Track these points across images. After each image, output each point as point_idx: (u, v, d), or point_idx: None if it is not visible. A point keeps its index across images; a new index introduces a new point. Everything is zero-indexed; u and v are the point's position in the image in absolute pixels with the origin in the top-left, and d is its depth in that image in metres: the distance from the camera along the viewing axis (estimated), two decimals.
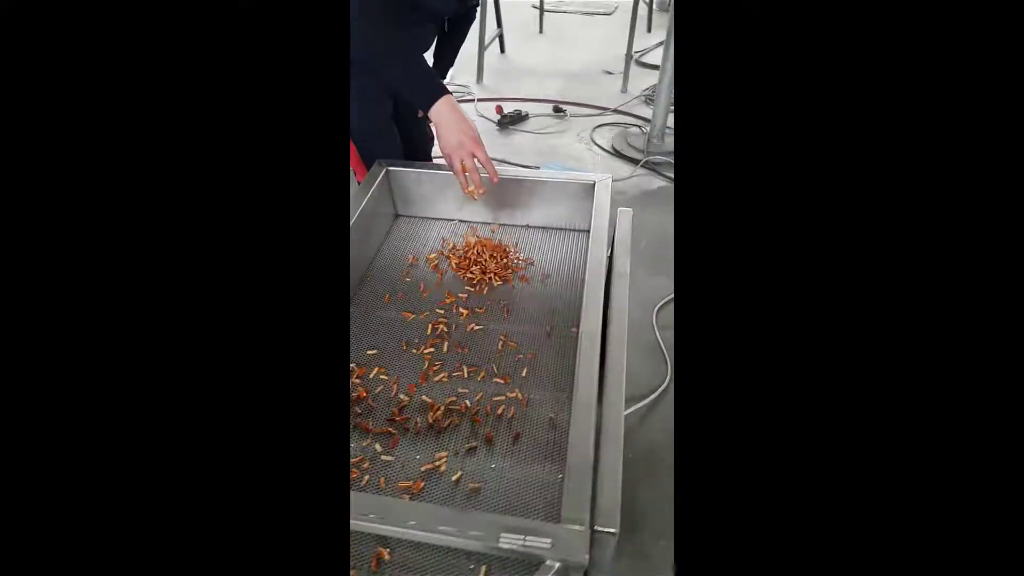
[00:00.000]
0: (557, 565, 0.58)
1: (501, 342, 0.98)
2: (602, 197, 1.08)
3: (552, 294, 1.08)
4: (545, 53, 3.65)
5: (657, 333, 1.65)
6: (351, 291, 1.08)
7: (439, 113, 1.06)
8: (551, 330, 1.00)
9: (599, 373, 0.78)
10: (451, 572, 0.69)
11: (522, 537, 0.59)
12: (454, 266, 1.12)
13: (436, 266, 1.14)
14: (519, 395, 0.89)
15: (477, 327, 1.01)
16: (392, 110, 1.32)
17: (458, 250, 1.16)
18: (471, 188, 1.09)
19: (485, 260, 1.12)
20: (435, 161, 1.38)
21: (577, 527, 0.60)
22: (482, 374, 0.92)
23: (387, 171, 1.19)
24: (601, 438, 0.70)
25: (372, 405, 0.88)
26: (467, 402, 0.88)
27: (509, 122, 2.82)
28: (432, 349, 0.97)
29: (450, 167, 1.11)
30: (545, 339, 0.99)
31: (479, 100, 3.03)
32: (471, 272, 1.11)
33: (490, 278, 1.09)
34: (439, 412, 0.86)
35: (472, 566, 0.70)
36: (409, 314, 1.03)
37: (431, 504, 0.75)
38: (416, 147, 1.48)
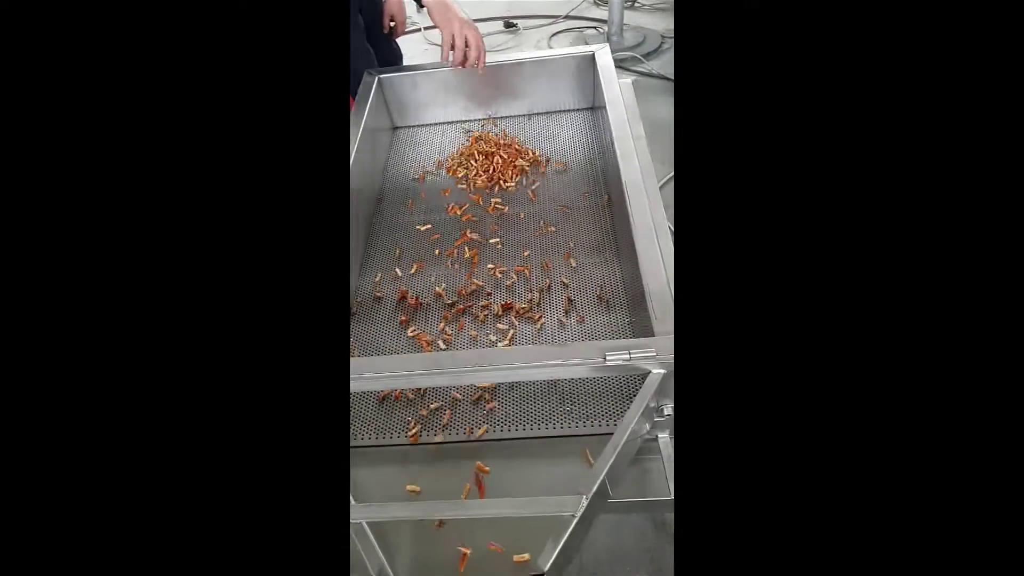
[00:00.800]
0: (663, 372, 0.61)
1: (536, 225, 0.99)
2: (606, 63, 1.07)
3: (572, 173, 1.08)
4: None
5: (662, 211, 1.69)
6: (372, 206, 1.07)
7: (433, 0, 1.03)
8: (584, 200, 1.02)
9: None
10: (551, 420, 0.73)
11: (627, 352, 0.62)
12: (466, 166, 1.12)
13: (448, 168, 1.13)
14: (569, 263, 0.91)
15: (508, 215, 1.02)
16: (364, 29, 1.27)
17: (467, 152, 1.15)
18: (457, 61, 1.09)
19: (495, 159, 1.11)
20: None
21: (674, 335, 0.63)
22: (526, 253, 0.94)
23: (379, 80, 1.16)
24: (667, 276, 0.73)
25: (418, 305, 0.89)
26: (517, 285, 0.90)
27: None
28: (470, 243, 0.97)
29: (443, 40, 1.09)
30: (578, 211, 1.00)
31: (425, 28, 2.91)
32: (486, 171, 1.10)
33: (505, 172, 1.09)
34: (494, 297, 0.88)
35: (568, 408, 0.73)
36: (431, 224, 1.03)
37: (530, 345, 0.78)
38: (387, 64, 1.44)
